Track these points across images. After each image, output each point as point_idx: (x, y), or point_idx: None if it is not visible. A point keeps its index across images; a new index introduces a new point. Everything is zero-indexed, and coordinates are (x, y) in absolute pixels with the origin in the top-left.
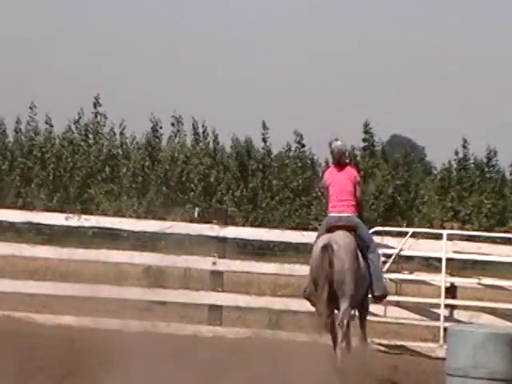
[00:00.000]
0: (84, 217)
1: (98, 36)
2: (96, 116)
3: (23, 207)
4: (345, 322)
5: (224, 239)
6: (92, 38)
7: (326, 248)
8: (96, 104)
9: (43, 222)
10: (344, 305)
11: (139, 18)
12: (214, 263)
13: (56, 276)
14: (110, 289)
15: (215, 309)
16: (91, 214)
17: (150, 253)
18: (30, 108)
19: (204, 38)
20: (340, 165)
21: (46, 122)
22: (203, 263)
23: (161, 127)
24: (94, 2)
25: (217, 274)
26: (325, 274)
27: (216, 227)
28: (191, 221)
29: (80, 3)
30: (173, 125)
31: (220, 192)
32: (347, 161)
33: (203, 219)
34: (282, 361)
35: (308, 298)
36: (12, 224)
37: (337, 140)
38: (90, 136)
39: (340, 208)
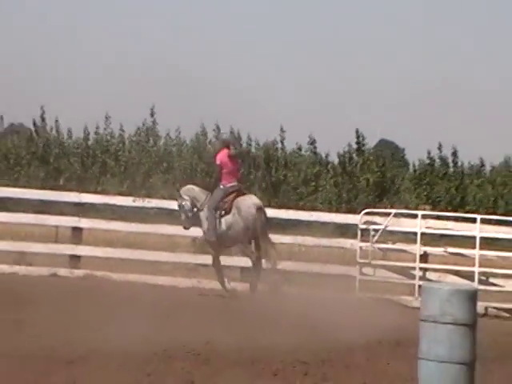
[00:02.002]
0: (147, 200)
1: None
2: (154, 123)
3: (102, 192)
4: None
5: None
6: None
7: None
8: (152, 113)
9: (116, 204)
10: None
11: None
12: None
13: (125, 245)
14: (167, 254)
15: (246, 270)
16: (152, 197)
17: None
18: (106, 118)
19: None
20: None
21: (120, 129)
22: None
23: (206, 132)
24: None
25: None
26: None
27: None
28: None
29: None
30: (214, 130)
31: (249, 182)
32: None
33: None
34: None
35: None
36: (93, 205)
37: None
38: (151, 138)
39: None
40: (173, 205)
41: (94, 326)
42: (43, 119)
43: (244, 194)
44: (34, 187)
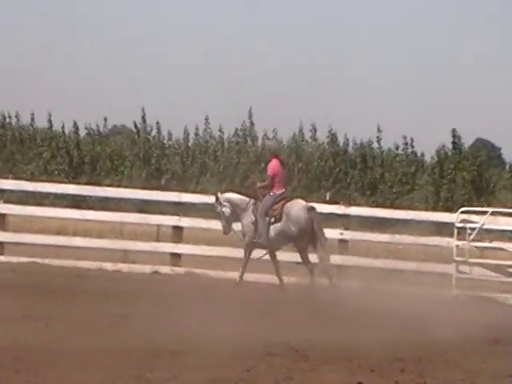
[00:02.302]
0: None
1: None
2: (251, 124)
3: (201, 192)
4: None
5: (348, 216)
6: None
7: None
8: (250, 115)
9: (191, 201)
10: None
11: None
12: (341, 233)
13: (224, 243)
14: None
15: (343, 269)
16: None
17: None
18: (205, 119)
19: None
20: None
21: (219, 130)
22: (333, 233)
23: (303, 132)
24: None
25: (343, 242)
26: None
27: (342, 207)
28: (324, 202)
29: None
30: (310, 131)
31: (347, 181)
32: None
33: (333, 201)
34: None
35: None
36: (193, 204)
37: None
38: (249, 139)
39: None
40: None
41: (195, 321)
42: (144, 121)
43: (290, 199)
44: (136, 187)
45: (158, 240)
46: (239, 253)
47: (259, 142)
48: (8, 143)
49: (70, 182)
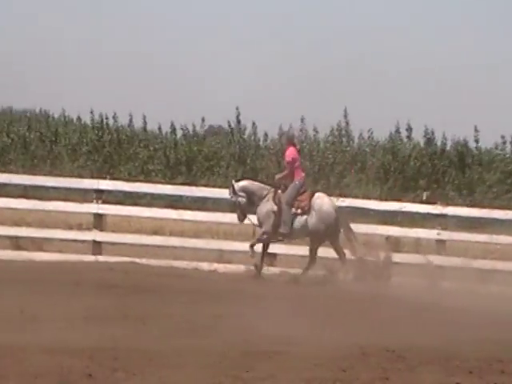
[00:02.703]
0: (341, 199)
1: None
2: (347, 124)
3: None
4: None
5: (445, 216)
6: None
7: None
8: (346, 115)
9: None
10: None
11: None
12: (438, 234)
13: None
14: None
15: (441, 269)
16: (346, 197)
17: (389, 226)
18: (301, 120)
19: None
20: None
21: (313, 130)
22: (430, 234)
23: (400, 132)
24: None
25: (440, 242)
26: None
27: (439, 207)
28: (421, 202)
29: None
30: (406, 130)
31: (444, 181)
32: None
33: (430, 201)
34: None
35: None
36: None
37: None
38: (344, 139)
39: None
40: (367, 204)
41: (291, 321)
42: (238, 121)
43: (315, 192)
44: None
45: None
46: (334, 252)
47: (355, 141)
48: (106, 144)
49: (167, 183)
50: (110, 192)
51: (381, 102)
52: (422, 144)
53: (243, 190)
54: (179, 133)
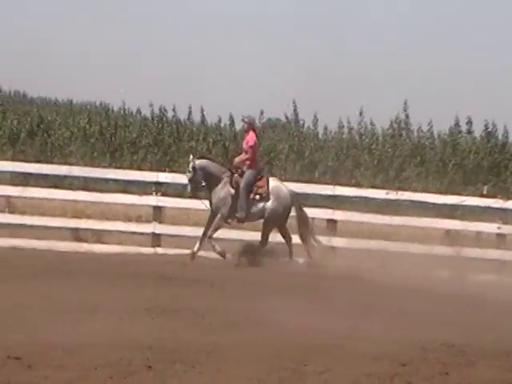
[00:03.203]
0: (400, 192)
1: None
2: (406, 117)
3: (355, 185)
4: None
5: (506, 210)
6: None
7: None
8: (405, 108)
9: (370, 196)
10: None
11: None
12: (498, 228)
13: (379, 237)
14: (419, 246)
15: (502, 263)
16: (405, 190)
17: (449, 220)
18: (360, 113)
19: None
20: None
21: (370, 123)
22: (490, 228)
23: (460, 125)
24: None
25: (501, 236)
26: None
27: (500, 201)
28: (481, 196)
29: None
30: (466, 124)
31: (505, 174)
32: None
33: (491, 195)
34: None
35: None
36: (347, 197)
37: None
38: (403, 132)
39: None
40: (426, 198)
41: (348, 315)
42: (296, 114)
43: (269, 179)
44: (289, 180)
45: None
46: (394, 246)
47: (414, 135)
48: (166, 137)
49: None
50: (169, 185)
51: (440, 95)
52: (481, 138)
53: (202, 169)
54: (238, 125)
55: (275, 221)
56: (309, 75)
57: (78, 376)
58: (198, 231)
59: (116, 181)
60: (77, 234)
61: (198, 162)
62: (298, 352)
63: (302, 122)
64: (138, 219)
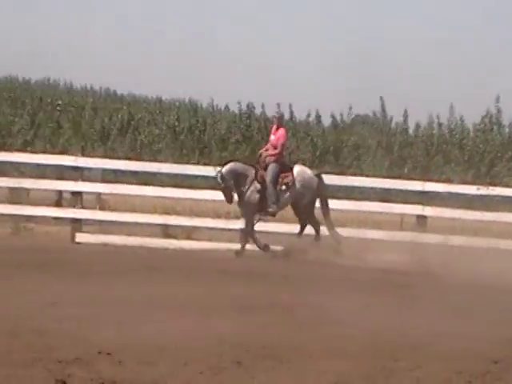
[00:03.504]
0: (491, 188)
1: None
2: (498, 111)
3: (445, 181)
4: None
5: None
6: None
7: None
8: (497, 103)
9: (460, 192)
10: None
11: None
12: None
13: (470, 233)
14: (509, 242)
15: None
16: (496, 185)
17: None
18: (450, 108)
19: None
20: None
21: (460, 119)
22: None
23: None
24: None
25: None
26: None
27: None
28: None
29: None
30: None
31: None
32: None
33: None
34: None
35: None
36: (437, 193)
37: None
38: (495, 127)
39: None
40: None
41: (437, 312)
42: (383, 110)
43: (294, 167)
44: (378, 176)
45: (401, 229)
46: (487, 242)
47: (506, 130)
48: (254, 133)
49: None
50: None
51: None
52: None
53: (230, 172)
54: (326, 121)
55: (304, 207)
56: (398, 72)
57: (168, 372)
58: (289, 228)
59: (205, 177)
60: (166, 231)
61: (223, 169)
62: (387, 349)
63: (389, 118)
64: (227, 216)
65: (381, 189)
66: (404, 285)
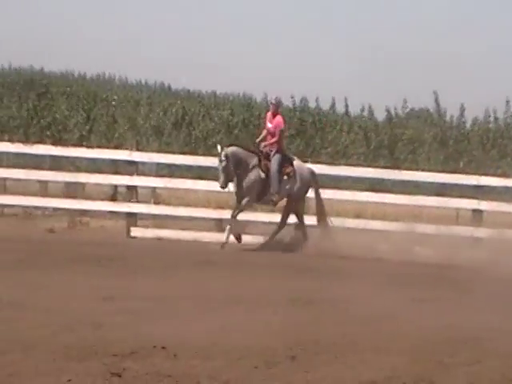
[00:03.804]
0: None
1: None
2: None
3: (501, 175)
4: None
5: None
6: None
7: None
8: None
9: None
10: None
11: None
12: None
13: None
14: None
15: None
16: None
17: None
18: (506, 102)
19: None
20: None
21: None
22: None
23: None
24: None
25: None
26: None
27: None
28: None
29: None
30: None
31: None
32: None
33: None
34: None
35: None
36: (493, 187)
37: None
38: None
39: None
40: None
41: (494, 307)
42: (437, 104)
43: (293, 160)
44: (433, 170)
45: (457, 224)
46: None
47: None
48: (308, 128)
49: (369, 166)
50: None
51: None
52: None
53: (232, 156)
54: (379, 115)
55: (299, 198)
56: (452, 64)
57: (223, 365)
58: (342, 222)
59: None
60: (220, 225)
61: (229, 149)
62: (443, 343)
63: (444, 111)
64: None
65: (436, 183)
66: (458, 280)
